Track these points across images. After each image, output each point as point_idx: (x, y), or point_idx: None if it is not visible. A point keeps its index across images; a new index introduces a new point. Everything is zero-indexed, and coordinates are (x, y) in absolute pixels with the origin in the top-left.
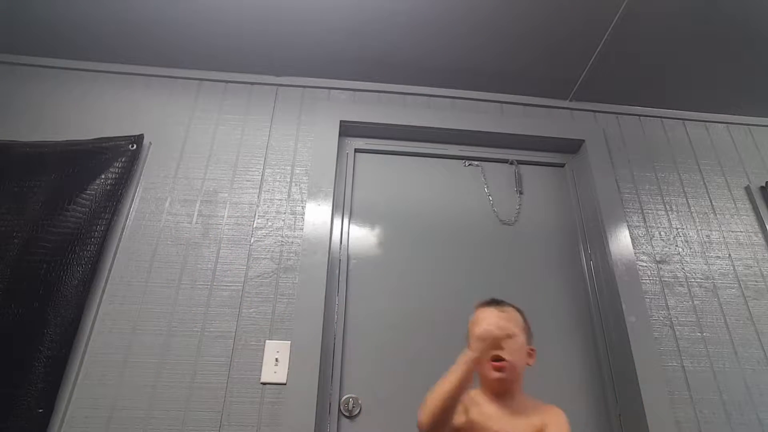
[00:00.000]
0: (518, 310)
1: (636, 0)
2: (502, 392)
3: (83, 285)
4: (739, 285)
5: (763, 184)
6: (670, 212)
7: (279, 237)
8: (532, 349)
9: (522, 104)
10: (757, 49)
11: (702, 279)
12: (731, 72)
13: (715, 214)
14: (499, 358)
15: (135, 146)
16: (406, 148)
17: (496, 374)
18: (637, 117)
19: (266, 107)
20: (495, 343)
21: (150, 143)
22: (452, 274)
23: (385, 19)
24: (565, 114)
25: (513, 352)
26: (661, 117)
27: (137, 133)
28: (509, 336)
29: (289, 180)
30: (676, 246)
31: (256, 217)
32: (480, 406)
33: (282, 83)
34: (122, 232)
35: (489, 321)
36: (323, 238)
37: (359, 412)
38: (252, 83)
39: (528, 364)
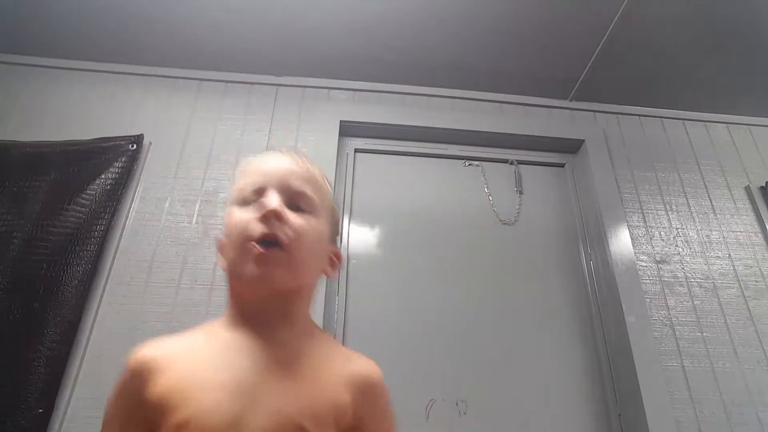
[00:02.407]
0: (327, 179)
1: (636, 0)
2: (263, 317)
3: (83, 285)
4: (739, 285)
5: (763, 184)
6: (670, 212)
7: None
8: (336, 253)
9: (522, 104)
10: (757, 49)
11: (702, 279)
12: (731, 72)
13: (715, 214)
14: (270, 238)
15: (135, 146)
16: (406, 148)
17: (254, 269)
18: (637, 117)
19: (266, 107)
20: (274, 206)
21: (150, 143)
22: (452, 274)
23: (385, 20)
24: (565, 114)
25: (300, 234)
26: (661, 117)
27: (137, 133)
28: (302, 208)
29: None
30: (676, 246)
31: None
32: (200, 354)
33: (282, 83)
34: (122, 232)
35: (273, 170)
36: None
37: None
38: (252, 83)
39: (326, 274)
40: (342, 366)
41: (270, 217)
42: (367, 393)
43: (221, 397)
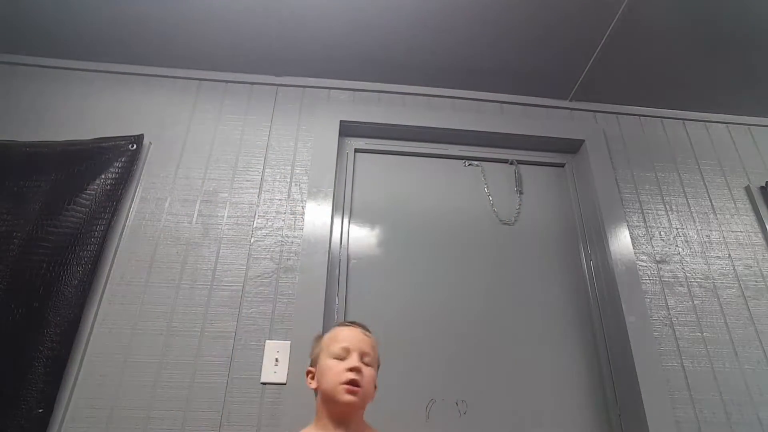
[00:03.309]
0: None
1: (636, 0)
2: (344, 421)
3: (83, 285)
4: (739, 285)
5: (763, 184)
6: (670, 212)
7: (279, 237)
8: (375, 381)
9: (522, 104)
10: (757, 49)
11: (702, 279)
12: (731, 72)
13: (715, 214)
14: (355, 382)
15: (135, 146)
16: (406, 148)
17: (348, 397)
18: (637, 117)
19: (266, 107)
20: (355, 360)
21: (150, 143)
22: (452, 274)
23: (386, 20)
24: (565, 114)
25: (368, 381)
26: (661, 117)
27: (137, 133)
28: (368, 363)
29: (289, 180)
30: (676, 246)
31: (256, 217)
32: None
33: (282, 83)
34: (122, 232)
35: (353, 339)
36: (323, 238)
37: None
38: (252, 83)
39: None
40: None
41: (356, 370)
42: None
43: None
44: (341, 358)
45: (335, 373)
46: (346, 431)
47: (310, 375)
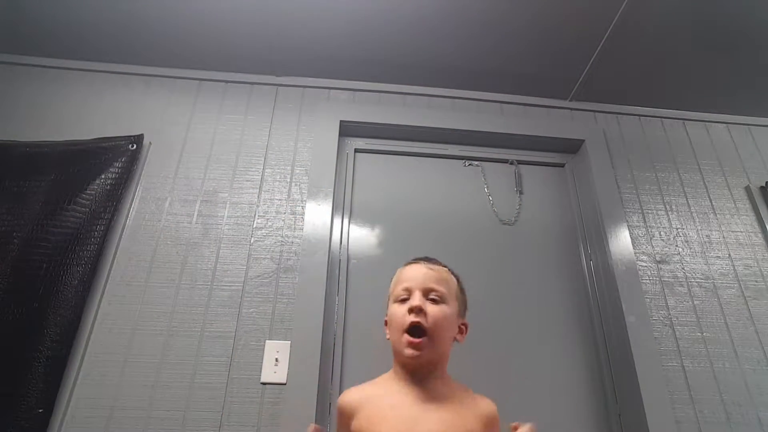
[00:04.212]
0: (453, 273)
1: (636, 0)
2: (418, 375)
3: (83, 285)
4: (739, 285)
5: (763, 184)
6: (670, 212)
7: (279, 237)
8: (464, 324)
9: (522, 104)
10: (757, 49)
11: (702, 279)
12: (731, 72)
13: (715, 214)
14: (417, 329)
15: (135, 146)
16: (406, 148)
17: (410, 351)
18: (637, 117)
19: (266, 107)
20: (417, 299)
21: (150, 143)
22: None
23: (386, 20)
24: (565, 114)
25: (438, 321)
26: (661, 117)
27: (137, 133)
28: (436, 300)
29: (289, 180)
30: (676, 246)
31: (256, 217)
32: (382, 398)
33: (282, 83)
34: (122, 232)
35: (414, 276)
36: (323, 238)
37: None
38: (252, 83)
39: (457, 341)
40: (473, 405)
41: (416, 310)
42: (489, 425)
43: (398, 426)
44: (404, 300)
45: (398, 319)
46: (420, 386)
47: (386, 324)
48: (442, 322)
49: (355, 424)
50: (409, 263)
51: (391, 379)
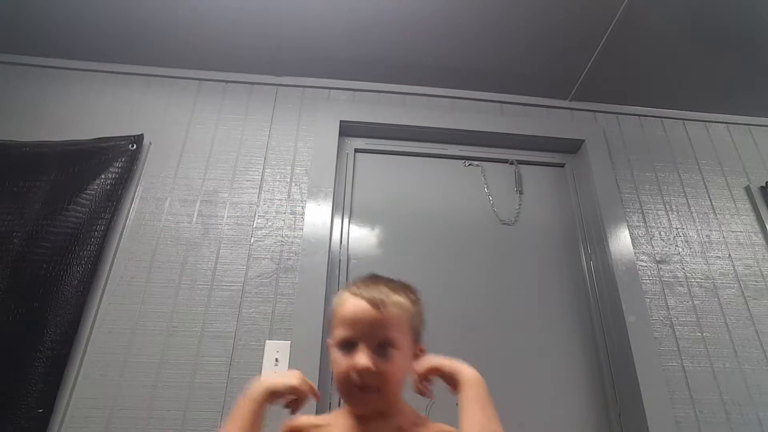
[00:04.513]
0: (408, 288)
1: (636, 0)
2: (370, 417)
3: (83, 285)
4: (739, 285)
5: (763, 184)
6: (670, 212)
7: (279, 237)
8: (421, 349)
9: (522, 104)
10: (758, 49)
11: (702, 279)
12: (731, 72)
13: (715, 214)
14: (366, 388)
15: (135, 146)
16: (406, 148)
17: (358, 406)
18: (637, 117)
19: (266, 107)
20: (364, 365)
21: (150, 143)
22: (452, 274)
23: (386, 20)
24: (565, 114)
25: (390, 377)
26: (661, 117)
27: (137, 133)
28: (386, 349)
29: (289, 180)
30: (676, 246)
31: (256, 217)
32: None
33: (282, 83)
34: (122, 232)
35: (360, 322)
36: (323, 238)
37: None
38: (252, 83)
39: (410, 371)
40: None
41: (363, 373)
42: None
43: None
44: (347, 346)
45: (342, 368)
46: (374, 426)
47: (329, 349)
48: (395, 376)
49: None
50: (353, 292)
51: (343, 416)
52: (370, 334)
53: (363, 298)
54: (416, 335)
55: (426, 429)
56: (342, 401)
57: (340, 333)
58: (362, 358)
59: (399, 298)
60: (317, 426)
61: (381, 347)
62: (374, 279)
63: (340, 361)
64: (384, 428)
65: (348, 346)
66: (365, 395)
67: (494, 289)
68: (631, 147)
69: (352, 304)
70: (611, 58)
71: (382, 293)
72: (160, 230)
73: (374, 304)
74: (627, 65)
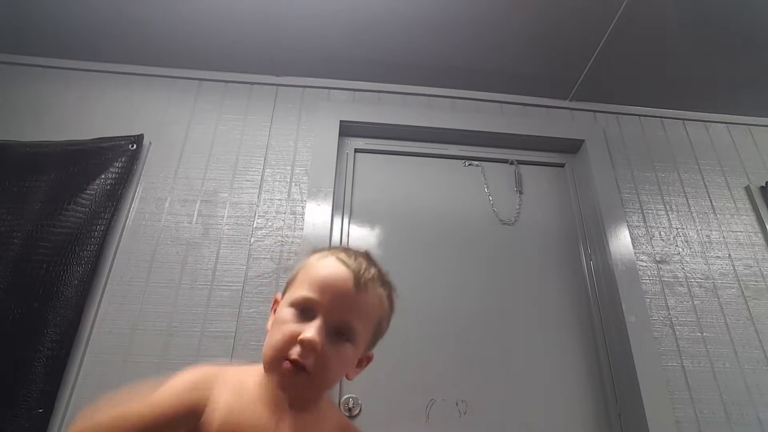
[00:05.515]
0: (388, 283)
1: (636, 0)
2: (292, 401)
3: (83, 285)
4: (739, 285)
5: (763, 184)
6: (670, 212)
7: (279, 237)
8: (368, 357)
9: (522, 104)
10: (757, 49)
11: (702, 279)
12: (731, 72)
13: (715, 214)
14: (300, 365)
15: (135, 146)
16: (406, 148)
17: (280, 383)
18: (637, 117)
19: (266, 107)
20: (314, 331)
21: (150, 143)
22: (452, 274)
23: (386, 20)
24: (565, 114)
25: (328, 367)
26: (661, 117)
27: (137, 133)
28: (341, 339)
29: (289, 180)
30: (676, 246)
31: (256, 217)
32: (247, 411)
33: (282, 83)
34: (122, 232)
35: (332, 291)
36: (323, 238)
37: (359, 412)
38: (252, 83)
39: (347, 378)
40: None
41: (306, 347)
42: None
43: None
44: (301, 311)
45: (282, 335)
46: (294, 413)
47: (274, 307)
48: (333, 369)
49: (207, 418)
50: (340, 257)
51: (263, 389)
52: (335, 310)
53: (349, 268)
54: (374, 339)
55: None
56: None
57: (302, 292)
58: (313, 330)
59: (382, 292)
60: (234, 400)
61: (337, 333)
62: (368, 258)
63: (285, 317)
64: (307, 421)
65: (303, 311)
66: (293, 376)
67: (494, 289)
68: (631, 147)
69: (332, 268)
70: (611, 58)
71: (369, 275)
72: (160, 230)
73: (357, 280)
74: (627, 65)
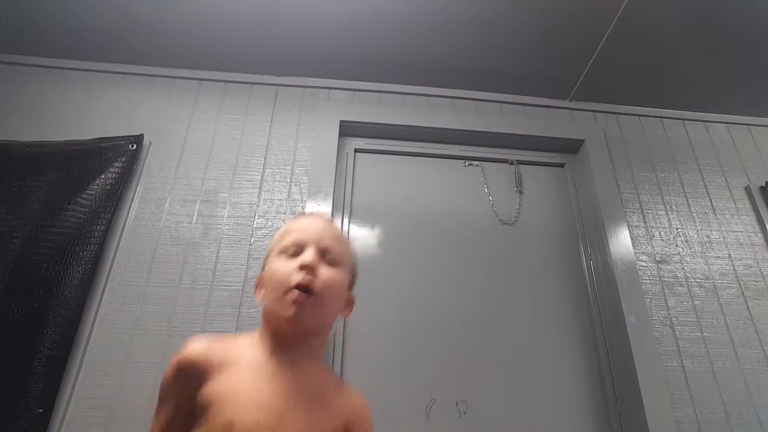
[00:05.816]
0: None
1: (636, 0)
2: (293, 348)
3: (83, 285)
4: (739, 285)
5: (763, 184)
6: (670, 212)
7: None
8: (350, 298)
9: (522, 104)
10: (757, 49)
11: (702, 279)
12: (731, 72)
13: (715, 214)
14: (306, 286)
15: (135, 146)
16: (406, 148)
17: (292, 311)
18: (637, 117)
19: (266, 107)
20: (310, 260)
21: (150, 143)
22: (452, 274)
23: (386, 20)
24: (565, 114)
25: (330, 286)
26: (661, 117)
27: (137, 133)
28: (331, 262)
29: (289, 180)
30: (676, 246)
31: (256, 217)
32: (244, 372)
33: (282, 83)
34: (122, 232)
35: (310, 228)
36: None
37: None
38: (252, 83)
39: (342, 315)
40: (341, 399)
41: (308, 269)
42: (357, 423)
43: (261, 416)
44: (293, 255)
45: (280, 275)
46: (291, 367)
47: (258, 286)
48: (334, 289)
49: (208, 390)
50: (305, 214)
51: (257, 348)
52: (321, 241)
53: (317, 216)
54: (352, 278)
55: (340, 393)
56: (264, 327)
57: (286, 240)
58: (309, 255)
59: (347, 240)
60: (220, 365)
61: (327, 260)
62: (329, 218)
63: (279, 265)
64: (305, 375)
65: (294, 254)
66: (302, 302)
67: (494, 289)
68: (631, 147)
69: (305, 216)
70: (611, 58)
71: (335, 225)
72: (160, 230)
73: (328, 219)
74: (627, 65)
